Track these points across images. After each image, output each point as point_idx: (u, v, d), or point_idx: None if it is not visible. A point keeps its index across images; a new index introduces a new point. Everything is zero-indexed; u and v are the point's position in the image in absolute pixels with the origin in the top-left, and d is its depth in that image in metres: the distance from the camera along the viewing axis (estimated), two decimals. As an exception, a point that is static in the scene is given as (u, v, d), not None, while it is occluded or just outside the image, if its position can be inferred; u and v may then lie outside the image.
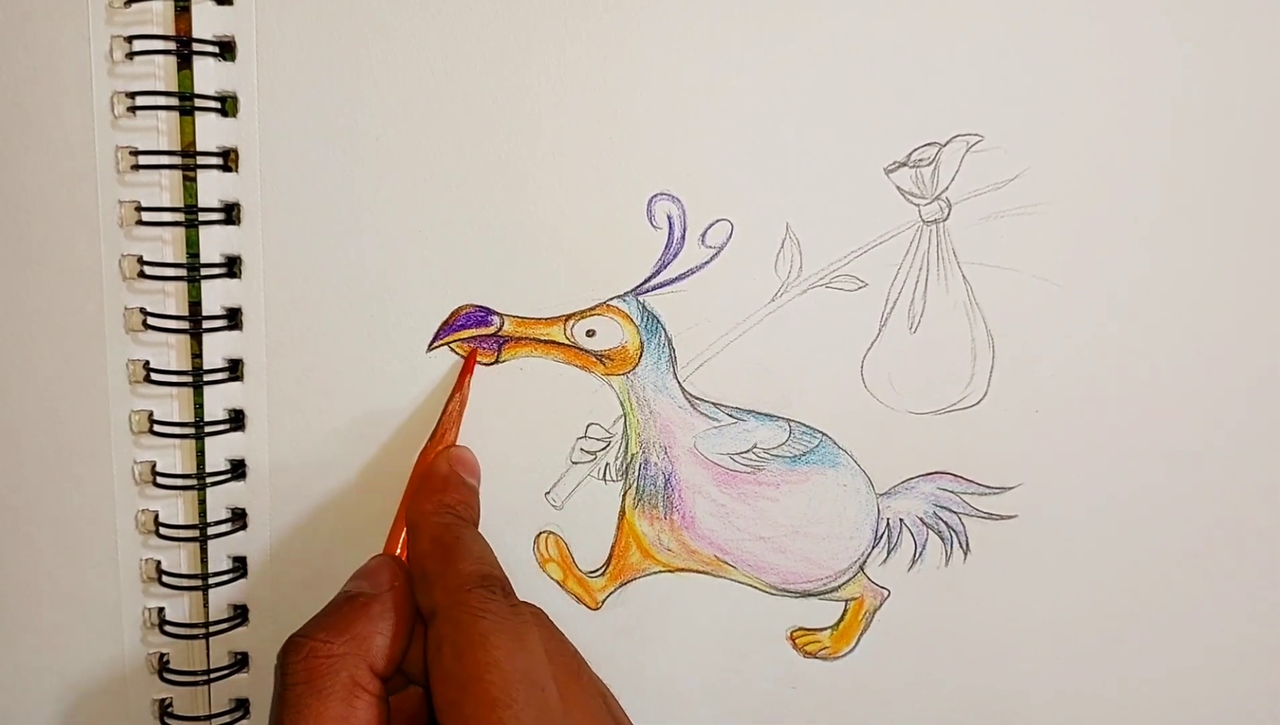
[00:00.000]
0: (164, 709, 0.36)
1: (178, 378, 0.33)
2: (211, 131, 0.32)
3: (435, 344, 0.34)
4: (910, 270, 0.34)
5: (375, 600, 0.27)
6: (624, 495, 0.35)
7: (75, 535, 0.34)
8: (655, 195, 0.33)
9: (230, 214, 0.32)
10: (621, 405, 0.35)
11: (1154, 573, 0.36)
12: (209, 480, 0.34)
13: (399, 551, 0.31)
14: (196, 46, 0.31)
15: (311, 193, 0.32)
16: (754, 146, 0.33)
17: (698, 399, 0.35)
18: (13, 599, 0.35)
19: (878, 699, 0.37)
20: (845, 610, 0.37)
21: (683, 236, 0.33)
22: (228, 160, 0.32)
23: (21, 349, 0.33)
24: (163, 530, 0.34)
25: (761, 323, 0.34)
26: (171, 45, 0.31)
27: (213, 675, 0.35)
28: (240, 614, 0.35)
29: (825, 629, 0.37)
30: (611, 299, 0.34)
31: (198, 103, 0.31)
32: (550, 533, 0.36)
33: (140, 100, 0.31)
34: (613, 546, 0.36)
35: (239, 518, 0.35)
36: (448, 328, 0.34)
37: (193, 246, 0.32)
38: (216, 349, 0.33)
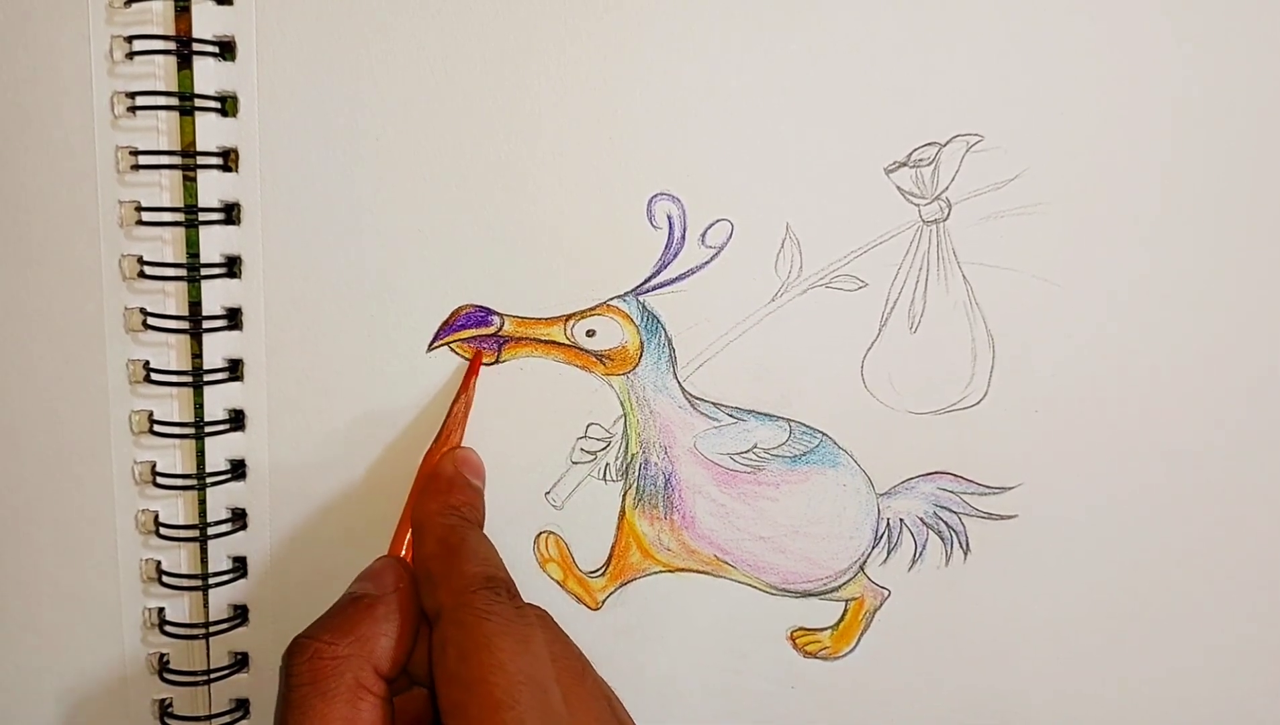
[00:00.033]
0: (164, 709, 0.36)
1: (178, 378, 0.33)
2: (211, 131, 0.32)
3: (435, 344, 0.34)
4: (910, 270, 0.34)
5: (380, 602, 0.27)
6: (624, 495, 0.35)
7: (75, 535, 0.34)
8: (655, 195, 0.33)
9: (230, 214, 0.32)
10: (621, 405, 0.35)
11: (1154, 573, 0.36)
12: (209, 480, 0.34)
13: (404, 553, 0.31)
14: (196, 46, 0.31)
15: (311, 193, 0.32)
16: (754, 146, 0.33)
17: (698, 399, 0.35)
18: (13, 599, 0.35)
19: (878, 699, 0.37)
20: (845, 610, 0.37)
21: (683, 236, 0.33)
22: (228, 160, 0.32)
23: (21, 349, 0.33)
24: (163, 530, 0.34)
25: (761, 323, 0.34)
26: (171, 45, 0.31)
27: (213, 675, 0.35)
28: (240, 614, 0.35)
29: (825, 629, 0.37)
30: (611, 299, 0.34)
31: (198, 103, 0.31)
32: (550, 533, 0.36)
33: (140, 100, 0.31)
34: (613, 546, 0.36)
35: (239, 518, 0.35)
36: (448, 328, 0.34)
37: (193, 246, 0.32)
38: (216, 349, 0.33)
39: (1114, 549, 0.36)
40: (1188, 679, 0.38)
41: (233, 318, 0.33)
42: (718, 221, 0.33)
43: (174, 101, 0.31)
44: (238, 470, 0.34)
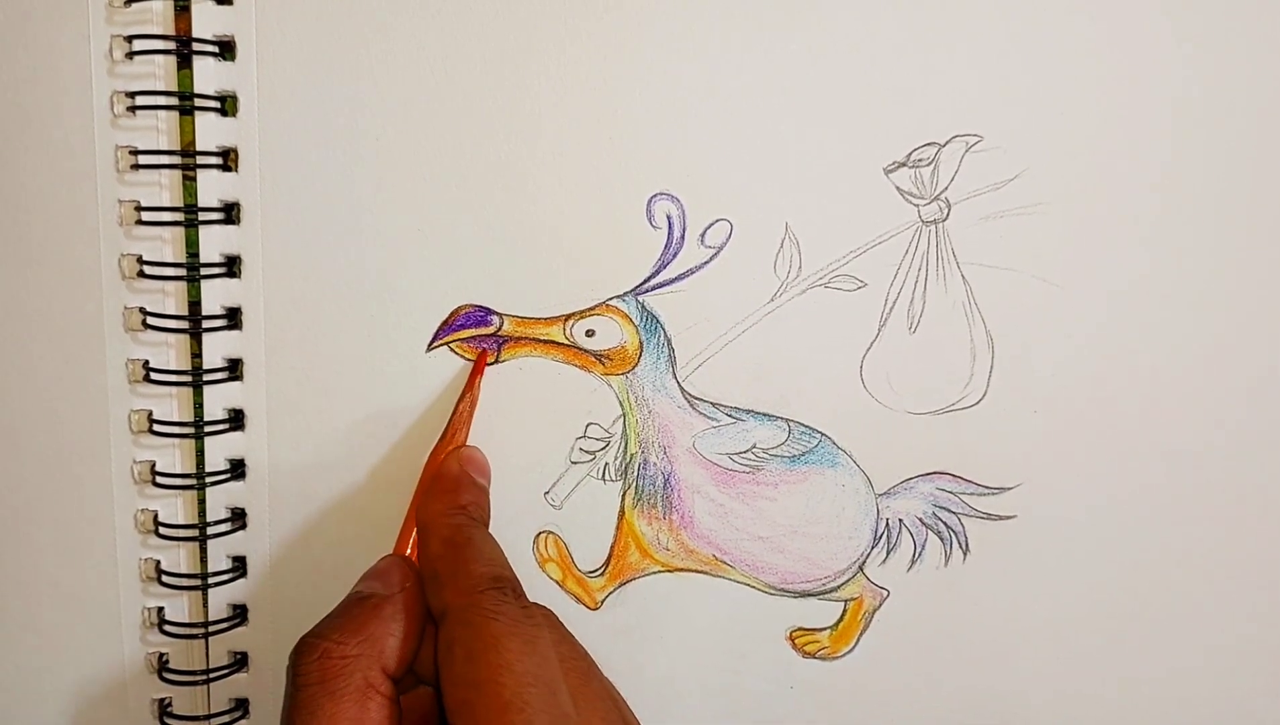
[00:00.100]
0: (164, 709, 0.36)
1: (177, 377, 0.33)
2: (211, 131, 0.32)
3: (435, 344, 0.34)
4: (909, 270, 0.34)
5: (387, 601, 0.27)
6: (623, 495, 0.35)
7: (75, 535, 0.34)
8: (655, 195, 0.33)
9: (230, 214, 0.32)
10: (621, 405, 0.35)
11: (1154, 573, 0.36)
12: (209, 480, 0.34)
13: (409, 552, 0.31)
14: (196, 46, 0.31)
15: (311, 193, 0.32)
16: (754, 146, 0.33)
17: (697, 399, 0.35)
18: (13, 599, 0.35)
19: (877, 699, 0.37)
20: (844, 610, 0.37)
21: (682, 236, 0.33)
22: (227, 160, 0.32)
23: (21, 349, 0.33)
24: (162, 530, 0.34)
25: (760, 323, 0.34)
26: (171, 45, 0.31)
27: (212, 675, 0.35)
28: (240, 614, 0.35)
29: (824, 629, 0.37)
30: (611, 299, 0.34)
31: (198, 102, 0.31)
32: (549, 533, 0.36)
33: (140, 100, 0.31)
34: (612, 546, 0.36)
35: (239, 518, 0.35)
36: (447, 328, 0.34)
37: (192, 246, 0.33)
38: (216, 349, 0.33)
39: (1114, 549, 0.36)
40: (1188, 679, 0.38)
41: (232, 317, 0.33)
42: (717, 221, 0.33)
43: (174, 101, 0.31)
44: (237, 470, 0.34)
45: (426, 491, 0.31)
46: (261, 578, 0.35)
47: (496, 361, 0.34)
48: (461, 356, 0.34)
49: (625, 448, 0.35)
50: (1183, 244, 0.34)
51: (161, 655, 0.35)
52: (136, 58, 0.31)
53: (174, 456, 0.34)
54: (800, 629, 0.37)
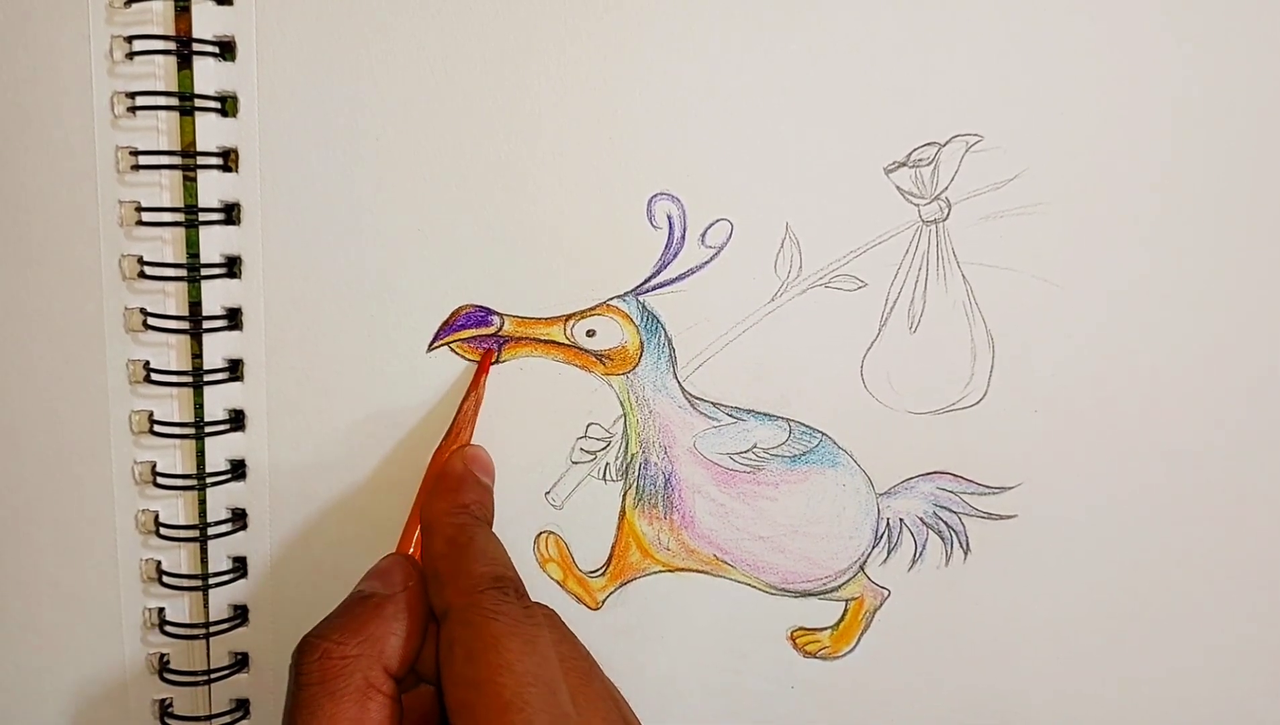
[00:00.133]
0: (164, 709, 0.36)
1: (178, 378, 0.33)
2: (211, 131, 0.32)
3: (435, 344, 0.34)
4: (910, 270, 0.34)
5: (389, 600, 0.27)
6: (624, 495, 0.35)
7: (75, 535, 0.34)
8: (655, 195, 0.33)
9: (230, 214, 0.32)
10: (621, 405, 0.35)
11: (1154, 573, 0.36)
12: (209, 480, 0.34)
13: (412, 550, 0.31)
14: (196, 46, 0.31)
15: (311, 193, 0.32)
16: (754, 146, 0.33)
17: (697, 399, 0.35)
18: (13, 599, 0.35)
19: (878, 699, 0.37)
20: (845, 610, 0.37)
21: (683, 236, 0.33)
22: (228, 160, 0.32)
23: (21, 349, 0.33)
24: (163, 530, 0.34)
25: (761, 323, 0.34)
26: (171, 45, 0.31)
27: (213, 675, 0.35)
28: (240, 614, 0.35)
29: (825, 629, 0.37)
30: (611, 299, 0.34)
31: (198, 103, 0.31)
32: (550, 533, 0.36)
33: (140, 100, 0.31)
34: (613, 546, 0.36)
35: (239, 518, 0.35)
36: (448, 328, 0.34)
37: (193, 246, 0.32)
38: (216, 349, 0.33)
39: (1114, 549, 0.36)
40: (1188, 679, 0.38)
41: (233, 318, 0.33)
42: (717, 221, 0.33)
43: (174, 101, 0.31)
44: (238, 470, 0.34)
45: (430, 490, 0.31)
46: (262, 578, 0.35)
47: (497, 361, 0.34)
48: (462, 356, 0.34)
49: (626, 448, 0.35)
50: (1183, 244, 0.34)
51: (162, 656, 0.35)
52: (136, 58, 0.31)
53: (174, 457, 0.34)
54: (801, 629, 0.37)
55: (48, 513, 0.34)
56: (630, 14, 0.32)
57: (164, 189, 0.32)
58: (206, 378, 0.33)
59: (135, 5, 0.31)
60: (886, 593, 0.36)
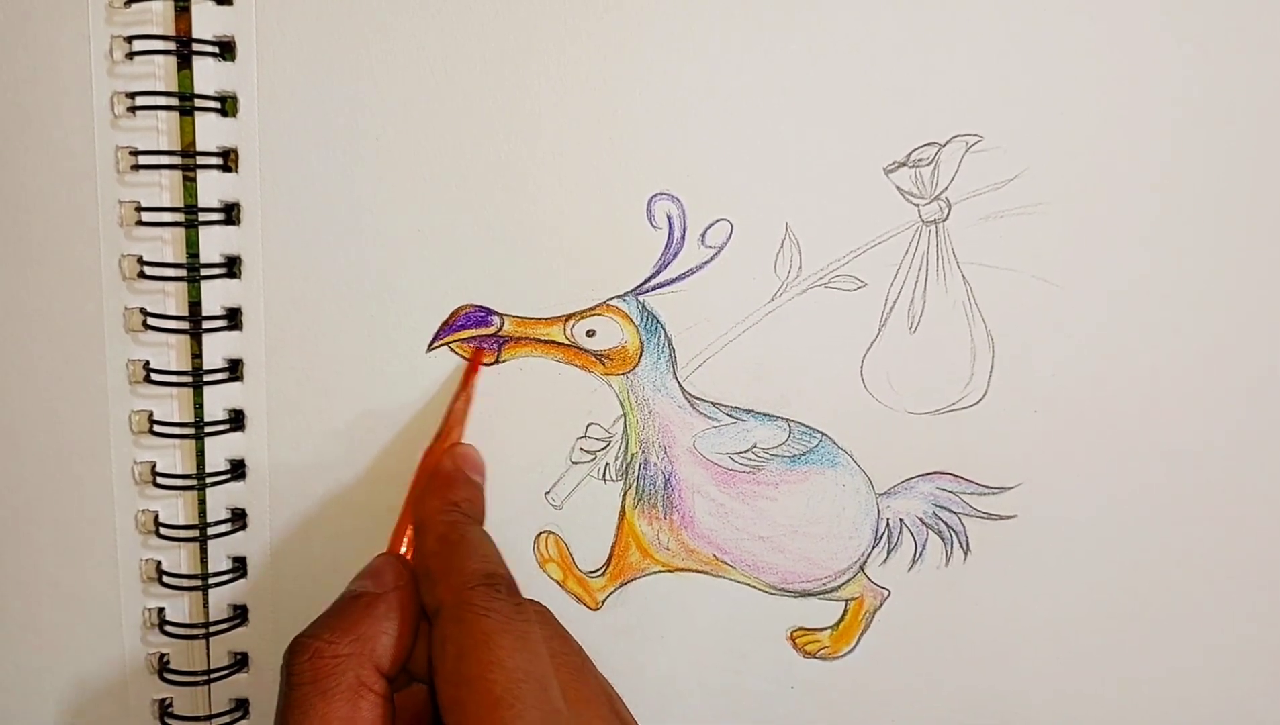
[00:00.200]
0: (164, 709, 0.36)
1: (178, 378, 0.33)
2: (211, 131, 0.32)
3: (435, 344, 0.34)
4: (910, 270, 0.34)
5: (380, 600, 0.27)
6: (624, 495, 0.35)
7: (75, 535, 0.34)
8: (655, 195, 0.33)
9: (230, 214, 0.32)
10: (621, 405, 0.35)
11: (1154, 573, 0.36)
12: (209, 480, 0.34)
13: (404, 550, 0.31)
14: (196, 46, 0.31)
15: (311, 193, 0.32)
16: (754, 146, 0.33)
17: (697, 399, 0.35)
18: (13, 599, 0.35)
19: (878, 699, 0.37)
20: (845, 610, 0.37)
21: (683, 236, 0.33)
22: (228, 160, 0.32)
23: (21, 349, 0.33)
24: (163, 530, 0.34)
25: (761, 323, 0.34)
26: (171, 45, 0.31)
27: (213, 675, 0.35)
28: (240, 614, 0.35)
29: (825, 629, 0.37)
30: (611, 299, 0.34)
31: (198, 103, 0.31)
32: (550, 533, 0.36)
33: (140, 100, 0.31)
34: (612, 546, 0.36)
35: (239, 518, 0.35)
36: (448, 328, 0.34)
37: (193, 246, 0.32)
38: (216, 349, 0.33)
39: (1114, 549, 0.36)
40: (1188, 679, 0.38)
41: (233, 318, 0.33)
42: (717, 221, 0.33)
43: (174, 101, 0.31)
44: (238, 470, 0.34)
45: (421, 489, 0.31)
46: (262, 578, 0.35)
47: (497, 361, 0.34)
48: (462, 357, 0.34)
49: (626, 448, 0.35)
50: (1183, 244, 0.34)
51: (162, 655, 0.35)
52: (136, 58, 0.31)
53: (174, 457, 0.34)
54: (801, 629, 0.37)
55: (48, 513, 0.34)
56: (630, 14, 0.32)
57: (164, 189, 0.32)
58: (206, 378, 0.33)
59: (135, 5, 0.31)
60: (886, 593, 0.36)
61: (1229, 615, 0.37)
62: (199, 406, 0.33)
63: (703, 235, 0.33)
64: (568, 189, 0.33)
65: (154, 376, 0.33)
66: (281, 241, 0.33)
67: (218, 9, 0.31)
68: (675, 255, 0.33)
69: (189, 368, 0.33)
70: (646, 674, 0.37)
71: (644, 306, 0.34)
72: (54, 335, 0.33)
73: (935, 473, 0.35)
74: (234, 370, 0.34)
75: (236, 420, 0.34)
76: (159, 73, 0.31)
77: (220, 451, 0.34)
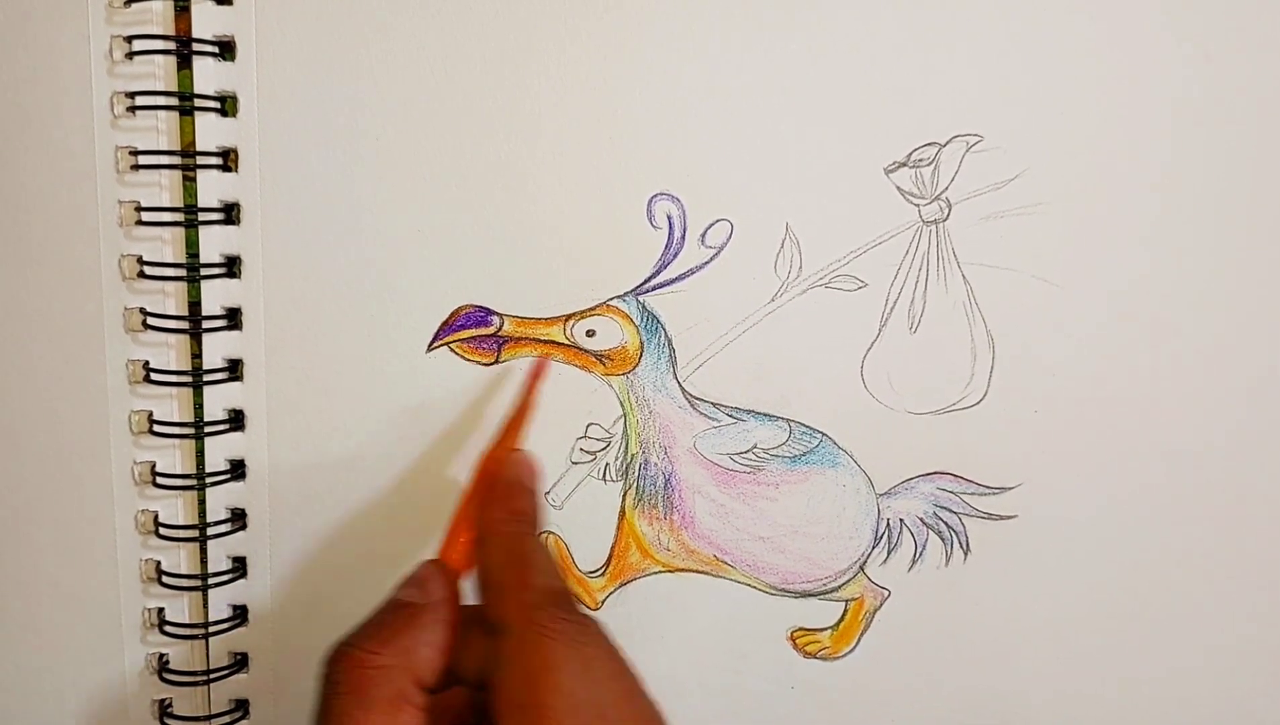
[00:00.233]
0: (164, 709, 0.36)
1: (177, 378, 0.33)
2: (211, 131, 0.32)
3: (435, 344, 0.34)
4: (910, 270, 0.34)
5: (424, 610, 0.27)
6: (624, 495, 0.35)
7: (75, 535, 0.34)
8: (655, 195, 0.33)
9: (230, 214, 0.32)
10: (621, 405, 0.35)
11: (1154, 573, 0.36)
12: (209, 480, 0.34)
13: (455, 555, 0.30)
14: (196, 46, 0.31)
15: (311, 193, 0.32)
16: (754, 146, 0.33)
17: (697, 399, 0.35)
18: (13, 599, 0.35)
19: (878, 699, 0.37)
20: (845, 610, 0.37)
21: (683, 236, 0.33)
22: (227, 160, 0.32)
23: (21, 349, 0.33)
24: (162, 530, 0.34)
25: (761, 323, 0.34)
26: (171, 45, 0.31)
27: (212, 675, 0.35)
28: (240, 614, 0.35)
29: (825, 629, 0.37)
30: (611, 299, 0.34)
31: (197, 103, 0.31)
32: (550, 533, 0.36)
33: (140, 100, 0.31)
34: (612, 546, 0.36)
35: (239, 518, 0.35)
36: (447, 328, 0.34)
37: (192, 246, 0.32)
38: (216, 349, 0.33)
39: (1114, 549, 0.36)
40: (1188, 679, 0.38)
41: (232, 318, 0.33)
42: (718, 221, 0.33)
43: (174, 101, 0.31)
44: (237, 470, 0.34)
45: (482, 497, 0.30)
46: (261, 578, 0.35)
47: (497, 361, 0.34)
48: (463, 357, 0.34)
49: (626, 448, 0.35)
50: (1183, 244, 0.34)
51: (162, 656, 0.35)
52: (136, 58, 0.31)
53: (174, 457, 0.34)
54: (801, 629, 0.37)
55: (48, 513, 0.34)
56: (630, 14, 0.32)
57: (164, 189, 0.32)
58: (206, 378, 0.33)
59: (135, 5, 0.31)
60: (886, 593, 0.36)
61: (1229, 615, 0.37)
62: (199, 406, 0.33)
63: (703, 235, 0.33)
64: (568, 189, 0.33)
65: (154, 376, 0.33)
66: (281, 241, 0.33)
67: (218, 9, 0.31)
68: (675, 255, 0.33)
69: (189, 368, 0.33)
70: (647, 674, 0.37)
71: (644, 306, 0.34)
72: (54, 335, 0.33)
73: (935, 473, 0.35)
74: (234, 370, 0.33)
75: (236, 420, 0.34)
76: (159, 73, 0.31)
77: (220, 451, 0.34)
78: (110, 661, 0.35)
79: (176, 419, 0.33)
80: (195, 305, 0.33)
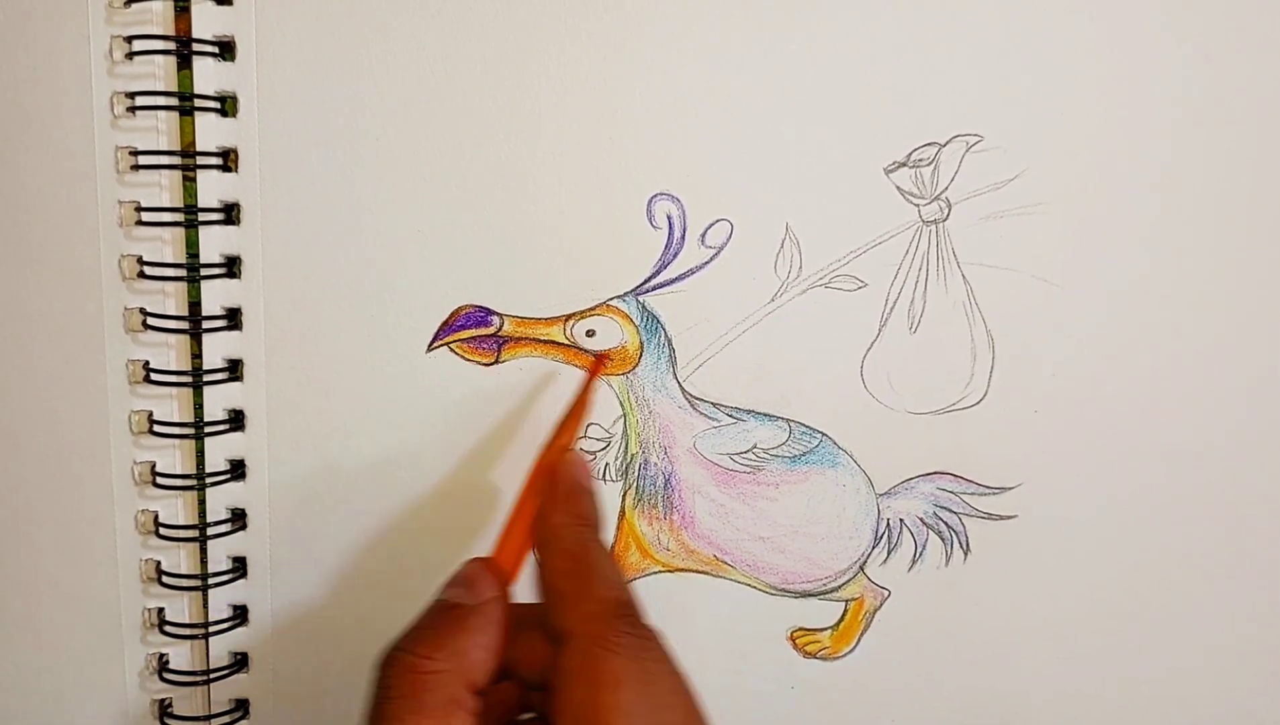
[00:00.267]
0: (164, 709, 0.36)
1: (177, 378, 0.33)
2: (211, 131, 0.32)
3: (435, 344, 0.34)
4: (910, 270, 0.34)
5: (474, 612, 0.27)
6: (624, 495, 0.35)
7: (75, 535, 0.34)
8: (655, 195, 0.33)
9: (230, 214, 0.32)
10: (621, 405, 0.35)
11: (1154, 573, 0.36)
12: (209, 480, 0.34)
13: (507, 555, 0.29)
14: (196, 46, 0.31)
15: (311, 193, 0.32)
16: (754, 146, 0.33)
17: (697, 399, 0.35)
18: (13, 599, 0.35)
19: (878, 699, 0.37)
20: (845, 610, 0.37)
21: (683, 236, 0.33)
22: (227, 160, 0.32)
23: (21, 349, 0.33)
24: (162, 530, 0.34)
25: (761, 323, 0.34)
26: (171, 45, 0.31)
27: (212, 675, 0.35)
28: (240, 614, 0.35)
29: (825, 629, 0.37)
30: (611, 299, 0.34)
31: (197, 103, 0.31)
32: (550, 533, 0.35)
33: (140, 100, 0.31)
34: (612, 547, 0.36)
35: (239, 518, 0.35)
36: (447, 328, 0.34)
37: (192, 246, 0.32)
38: (216, 349, 0.33)
39: (1114, 549, 0.36)
40: (1188, 679, 0.38)
41: (232, 318, 0.33)
42: (717, 221, 0.33)
43: (174, 101, 0.31)
44: (237, 470, 0.34)
45: (537, 495, 0.30)
46: (261, 578, 0.35)
47: (497, 361, 0.34)
48: (463, 357, 0.34)
49: (626, 448, 0.35)
50: (1183, 244, 0.34)
51: (162, 656, 0.35)
52: (136, 58, 0.31)
53: (174, 457, 0.34)
54: (801, 629, 0.37)
55: (48, 513, 0.34)
56: (630, 14, 0.32)
57: (164, 189, 0.32)
58: (206, 378, 0.33)
59: (135, 5, 0.31)
60: (886, 593, 0.36)
61: (1229, 615, 0.37)
62: (199, 406, 0.33)
63: (703, 235, 0.33)
64: (568, 189, 0.33)
65: (154, 376, 0.33)
66: (281, 241, 0.33)
67: (218, 9, 0.31)
68: (675, 255, 0.33)
69: (189, 368, 0.33)
70: (646, 674, 0.37)
71: (644, 306, 0.34)
72: (54, 335, 0.33)
73: (935, 473, 0.35)
74: (234, 370, 0.33)
75: (236, 420, 0.34)
76: (159, 73, 0.31)
77: (220, 451, 0.34)
78: (110, 661, 0.35)
79: (176, 419, 0.33)
80: (195, 305, 0.33)
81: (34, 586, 0.34)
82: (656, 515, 0.36)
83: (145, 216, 0.32)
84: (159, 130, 0.32)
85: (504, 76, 0.32)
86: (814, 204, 0.33)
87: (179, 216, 0.32)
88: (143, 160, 0.32)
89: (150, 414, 0.33)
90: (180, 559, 0.35)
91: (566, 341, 0.34)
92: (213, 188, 0.32)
